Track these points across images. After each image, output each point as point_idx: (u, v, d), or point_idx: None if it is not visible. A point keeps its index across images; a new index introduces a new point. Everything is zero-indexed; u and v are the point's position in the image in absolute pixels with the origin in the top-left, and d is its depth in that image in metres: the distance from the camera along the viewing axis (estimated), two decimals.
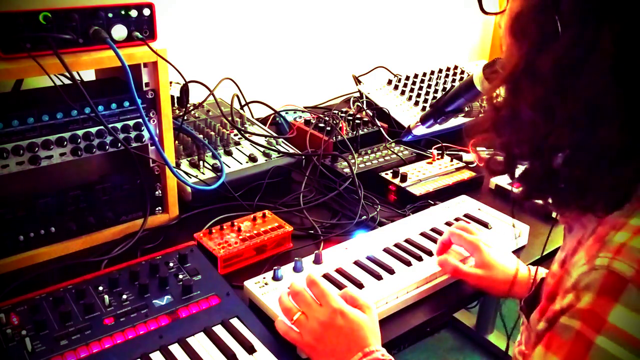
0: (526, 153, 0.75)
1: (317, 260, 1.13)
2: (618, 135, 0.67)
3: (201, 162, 1.40)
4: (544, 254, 1.24)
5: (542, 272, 1.11)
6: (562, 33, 0.67)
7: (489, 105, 0.80)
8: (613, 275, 0.64)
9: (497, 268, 1.09)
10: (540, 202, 0.79)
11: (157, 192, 1.29)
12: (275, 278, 1.07)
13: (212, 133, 1.51)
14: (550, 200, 0.77)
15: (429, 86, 1.94)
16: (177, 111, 1.57)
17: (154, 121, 1.23)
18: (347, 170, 1.48)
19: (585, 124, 0.68)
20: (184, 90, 1.51)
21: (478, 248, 1.11)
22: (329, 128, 1.62)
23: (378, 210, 1.37)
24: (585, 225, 0.77)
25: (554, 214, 1.29)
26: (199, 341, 0.95)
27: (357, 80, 2.06)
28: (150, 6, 1.15)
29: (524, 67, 0.71)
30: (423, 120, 1.41)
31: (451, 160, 1.60)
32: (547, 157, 0.73)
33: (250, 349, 0.93)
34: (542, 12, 0.69)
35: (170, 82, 1.33)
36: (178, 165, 1.39)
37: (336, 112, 1.74)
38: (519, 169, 0.78)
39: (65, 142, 1.12)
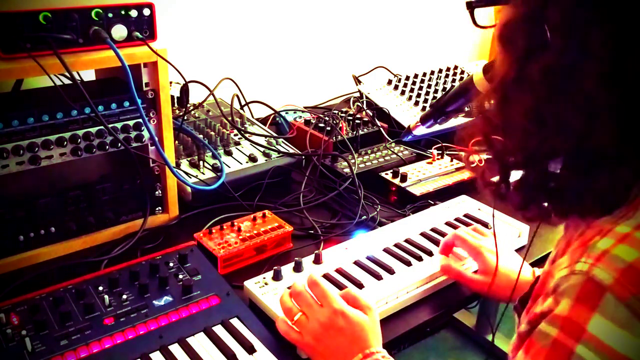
0: (520, 161, 0.74)
1: (317, 260, 1.13)
2: (612, 140, 0.65)
3: (201, 162, 1.40)
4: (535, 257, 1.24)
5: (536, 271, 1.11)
6: (550, 40, 0.66)
7: (479, 114, 0.79)
8: (591, 282, 0.62)
9: (500, 275, 1.07)
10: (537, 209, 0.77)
11: (157, 192, 1.29)
12: (275, 278, 1.07)
13: (212, 133, 1.51)
14: (548, 207, 0.76)
15: (429, 86, 1.93)
16: (177, 111, 1.57)
17: (154, 121, 1.23)
18: (347, 170, 1.48)
19: (578, 130, 0.66)
20: (184, 90, 1.51)
21: (481, 254, 1.11)
22: (329, 128, 1.62)
23: (378, 210, 1.37)
24: (578, 227, 0.75)
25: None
26: (199, 341, 0.95)
27: (357, 80, 2.06)
28: (150, 6, 1.15)
29: (514, 76, 0.70)
30: (423, 120, 1.41)
31: (451, 160, 1.60)
32: (541, 164, 0.72)
33: (250, 349, 0.93)
34: (529, 20, 0.68)
35: (170, 82, 1.33)
36: (178, 165, 1.39)
37: (336, 112, 1.74)
38: (513, 178, 0.76)
39: (65, 142, 1.12)
